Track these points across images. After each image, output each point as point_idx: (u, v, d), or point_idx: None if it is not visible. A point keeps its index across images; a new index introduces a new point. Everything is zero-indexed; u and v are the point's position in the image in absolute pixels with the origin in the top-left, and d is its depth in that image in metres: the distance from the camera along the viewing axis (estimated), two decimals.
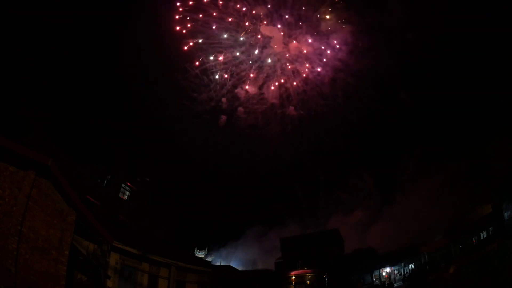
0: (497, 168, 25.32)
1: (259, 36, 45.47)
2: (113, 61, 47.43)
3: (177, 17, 42.77)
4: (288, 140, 57.27)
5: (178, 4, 42.36)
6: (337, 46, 46.23)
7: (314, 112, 52.07)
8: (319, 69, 47.26)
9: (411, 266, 34.77)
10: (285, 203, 66.23)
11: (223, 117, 52.33)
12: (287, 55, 47.04)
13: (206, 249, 58.46)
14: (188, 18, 42.94)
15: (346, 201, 64.14)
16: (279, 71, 48.12)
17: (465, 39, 42.24)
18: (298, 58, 47.24)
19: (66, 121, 38.74)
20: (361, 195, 63.67)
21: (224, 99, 50.00)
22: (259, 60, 47.22)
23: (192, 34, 43.93)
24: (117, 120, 50.41)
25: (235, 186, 65.04)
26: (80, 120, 43.00)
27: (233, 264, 48.42)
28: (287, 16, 44.93)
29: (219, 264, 44.81)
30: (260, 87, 49.24)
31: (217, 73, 47.00)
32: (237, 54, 46.06)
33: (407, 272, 35.07)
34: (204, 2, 42.64)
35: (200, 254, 54.94)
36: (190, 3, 42.34)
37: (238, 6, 43.43)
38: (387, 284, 32.52)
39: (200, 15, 43.14)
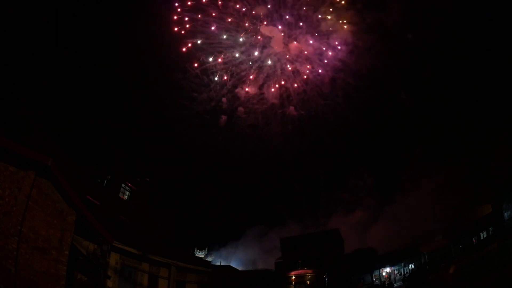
0: (497, 168, 25.33)
1: (259, 37, 45.54)
2: (113, 61, 47.50)
3: (175, 17, 42.77)
4: (288, 140, 57.36)
5: (176, 4, 42.38)
6: (339, 47, 46.28)
7: (314, 112, 52.18)
8: (320, 71, 47.32)
9: (411, 266, 34.79)
10: (285, 203, 66.34)
11: (223, 117, 52.43)
12: (287, 56, 47.11)
13: (206, 249, 58.44)
14: (186, 19, 42.95)
15: (346, 201, 64.37)
16: (279, 71, 48.18)
17: (465, 39, 42.31)
18: (298, 58, 47.30)
19: (66, 121, 38.76)
20: (361, 195, 63.91)
21: (224, 99, 50.08)
22: (259, 60, 47.26)
23: (191, 34, 43.96)
24: (117, 120, 50.47)
25: (235, 186, 65.15)
26: (80, 120, 43.02)
27: (233, 264, 48.41)
28: (287, 17, 44.99)
29: (219, 264, 44.75)
30: (260, 87, 49.30)
31: (217, 73, 47.03)
32: (237, 55, 46.10)
33: (407, 272, 35.09)
34: (203, 2, 42.61)
35: (200, 254, 54.90)
36: (189, 3, 42.34)
37: (238, 6, 43.46)
38: (387, 284, 32.52)
39: (199, 16, 43.16)
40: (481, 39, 41.40)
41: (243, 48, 46.10)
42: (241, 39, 45.44)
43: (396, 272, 37.43)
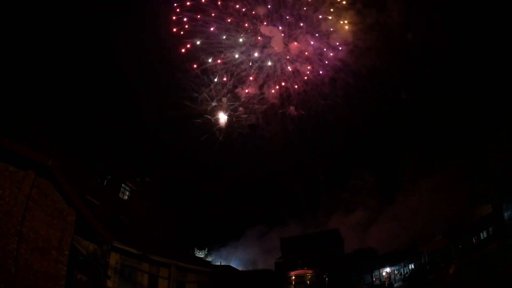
0: (497, 168, 25.37)
1: (259, 37, 45.52)
2: (112, 61, 47.45)
3: (174, 18, 42.70)
4: (289, 140, 57.24)
5: (175, 4, 42.32)
6: (339, 48, 46.25)
7: (314, 112, 51.99)
8: (320, 72, 47.31)
9: (411, 266, 34.78)
10: (285, 203, 66.37)
11: (224, 117, 52.35)
12: (287, 56, 47.09)
13: (206, 249, 58.40)
14: (185, 19, 42.88)
15: (346, 201, 64.31)
16: (279, 72, 48.16)
17: (465, 38, 42.32)
18: (298, 58, 47.28)
19: (66, 121, 38.79)
20: (361, 195, 63.84)
21: (224, 99, 50.03)
22: (259, 60, 47.23)
23: (191, 34, 43.89)
24: (117, 120, 50.47)
25: (235, 186, 65.12)
26: (80, 120, 43.05)
27: (233, 264, 48.38)
28: (287, 17, 44.96)
29: (219, 264, 44.72)
30: (261, 87, 49.27)
31: (217, 73, 47.01)
32: (237, 55, 46.05)
33: (407, 272, 35.08)
34: (203, 2, 42.56)
35: (200, 254, 54.87)
36: (188, 3, 42.28)
37: (237, 6, 43.42)
38: (387, 284, 32.52)
39: (199, 16, 43.10)
40: (481, 39, 41.45)
41: (243, 48, 46.01)
42: (241, 39, 45.36)
43: (396, 272, 37.42)
